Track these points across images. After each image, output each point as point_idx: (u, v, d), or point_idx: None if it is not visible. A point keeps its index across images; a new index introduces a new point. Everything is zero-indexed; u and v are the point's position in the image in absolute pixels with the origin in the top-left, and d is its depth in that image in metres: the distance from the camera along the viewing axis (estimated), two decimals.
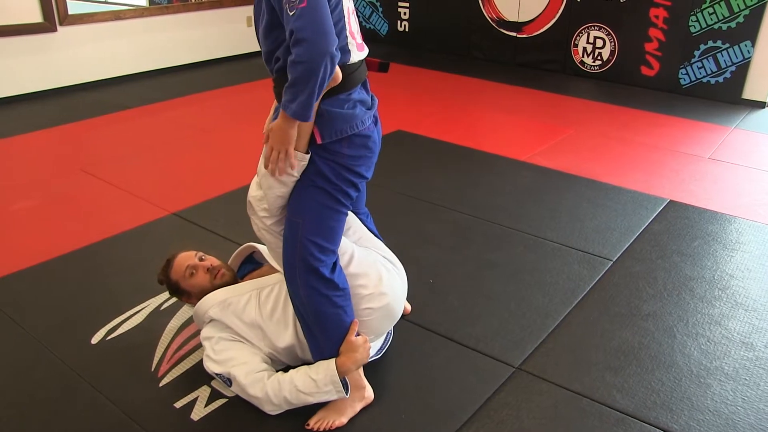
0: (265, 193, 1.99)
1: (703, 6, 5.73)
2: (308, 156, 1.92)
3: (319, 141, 1.91)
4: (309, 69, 1.69)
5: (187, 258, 2.32)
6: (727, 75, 5.85)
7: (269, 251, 2.18)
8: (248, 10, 7.05)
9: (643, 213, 3.60)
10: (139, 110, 5.29)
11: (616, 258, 3.13)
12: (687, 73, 6.03)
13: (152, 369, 2.33)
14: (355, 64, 1.95)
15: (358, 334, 2.06)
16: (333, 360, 2.02)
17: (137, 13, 6.15)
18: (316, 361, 2.09)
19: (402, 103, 5.69)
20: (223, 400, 2.17)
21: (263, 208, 2.03)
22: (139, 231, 3.33)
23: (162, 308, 2.68)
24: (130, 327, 2.56)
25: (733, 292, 2.86)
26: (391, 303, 2.17)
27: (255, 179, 2.09)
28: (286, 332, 2.17)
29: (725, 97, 5.89)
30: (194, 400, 2.17)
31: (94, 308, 2.67)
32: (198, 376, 2.27)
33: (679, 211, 3.66)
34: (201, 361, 2.34)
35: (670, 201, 3.78)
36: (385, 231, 3.39)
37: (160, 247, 3.15)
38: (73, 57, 5.73)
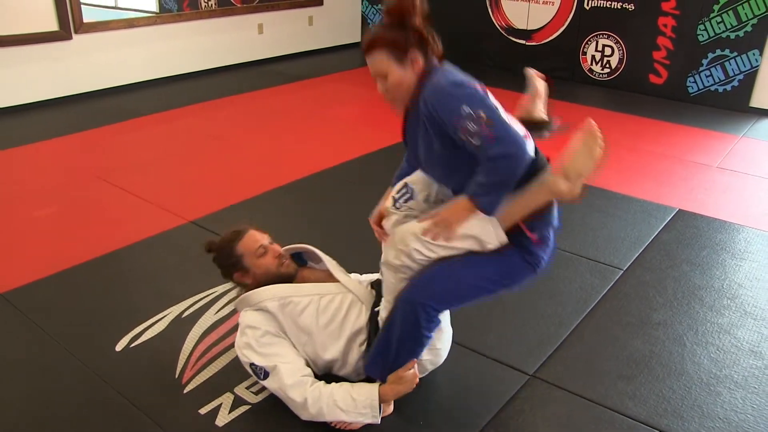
0: (428, 247, 1.96)
1: (711, 15, 5.79)
2: (502, 243, 1.95)
3: (535, 240, 1.97)
4: (510, 176, 1.81)
5: (260, 237, 2.30)
6: (735, 83, 5.90)
7: (384, 283, 2.11)
8: (260, 17, 7.14)
9: (652, 222, 3.66)
10: (154, 117, 5.37)
11: (626, 267, 3.18)
12: (695, 81, 6.09)
13: (176, 376, 2.39)
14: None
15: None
16: (377, 386, 2.08)
17: (150, 21, 6.23)
18: (366, 373, 2.17)
19: None
20: (246, 407, 2.23)
21: (416, 249, 1.96)
22: (157, 239, 3.40)
23: (184, 316, 2.74)
24: (153, 334, 2.62)
25: (742, 301, 2.91)
26: (441, 357, 2.32)
27: (417, 226, 1.99)
28: (334, 346, 2.19)
29: (733, 105, 5.94)
30: (218, 407, 2.23)
31: (117, 315, 2.73)
32: (221, 383, 2.34)
33: (688, 220, 3.71)
34: (224, 368, 2.41)
35: (679, 210, 3.83)
36: None
37: (180, 254, 3.22)
38: (87, 64, 5.82)
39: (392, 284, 2.07)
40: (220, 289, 2.92)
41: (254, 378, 2.32)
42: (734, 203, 3.98)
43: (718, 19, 5.78)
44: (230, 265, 2.29)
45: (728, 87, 5.94)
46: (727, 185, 4.25)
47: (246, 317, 2.21)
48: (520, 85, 6.43)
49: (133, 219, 3.62)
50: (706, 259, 3.29)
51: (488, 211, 1.86)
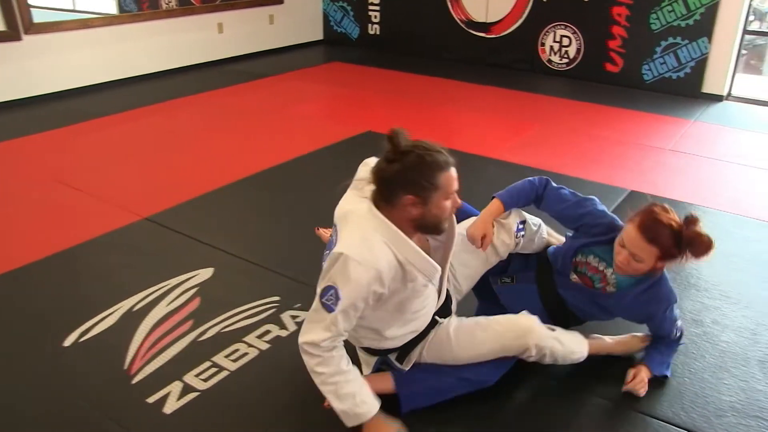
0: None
1: (663, 4, 5.90)
2: None
3: None
4: None
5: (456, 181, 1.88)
6: (687, 70, 6.02)
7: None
8: (220, 17, 7.11)
9: (604, 203, 3.69)
10: (112, 118, 5.32)
11: None
12: (650, 69, 6.20)
13: (125, 367, 2.38)
14: None
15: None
16: (375, 413, 1.95)
17: (106, 21, 6.16)
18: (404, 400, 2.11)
19: (373, 104, 5.78)
20: (195, 394, 2.23)
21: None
22: (111, 236, 3.38)
23: (135, 309, 2.73)
24: (103, 329, 2.60)
25: (687, 274, 2.99)
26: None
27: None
28: (389, 330, 2.03)
29: (686, 91, 6.06)
30: (167, 395, 2.23)
31: (67, 312, 2.71)
32: (170, 372, 2.33)
33: (639, 200, 3.70)
34: (173, 357, 2.41)
35: (631, 191, 3.90)
36: None
37: (133, 250, 3.21)
38: (41, 66, 5.73)
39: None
40: (174, 281, 2.91)
41: (204, 365, 2.33)
42: (685, 183, 4.07)
43: (669, 7, 5.89)
44: (416, 185, 1.79)
45: (681, 74, 6.06)
46: (678, 167, 4.34)
47: (363, 254, 1.79)
48: (481, 78, 6.57)
49: (88, 218, 3.58)
50: None
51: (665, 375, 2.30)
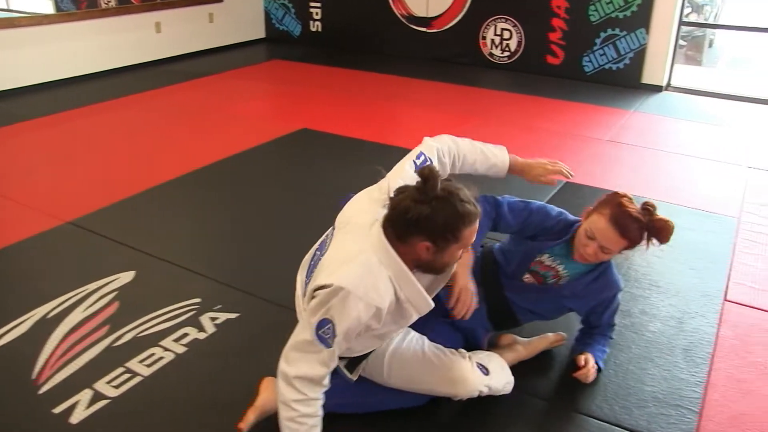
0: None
1: None
2: None
3: None
4: None
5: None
6: (627, 61, 6.08)
7: None
8: (157, 16, 6.93)
9: (538, 196, 3.69)
10: (42, 121, 5.11)
11: None
12: (590, 61, 6.24)
13: (33, 377, 2.26)
14: None
15: None
16: None
17: (35, 21, 5.95)
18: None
19: (312, 102, 5.69)
20: (106, 402, 2.13)
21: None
22: (30, 242, 3.22)
23: (49, 316, 2.60)
24: (13, 337, 2.47)
25: (617, 264, 2.95)
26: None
27: None
28: (366, 346, 1.93)
29: (626, 82, 6.11)
30: (74, 404, 2.12)
31: None
32: (80, 380, 2.22)
33: (574, 191, 3.78)
34: (85, 365, 2.30)
35: (566, 183, 3.89)
36: (283, 226, 3.40)
37: (53, 255, 3.08)
38: None
39: None
40: (92, 286, 2.79)
41: (116, 372, 2.23)
42: (621, 173, 4.09)
43: None
44: (438, 235, 1.64)
45: (620, 65, 6.12)
46: (615, 157, 4.36)
47: (361, 287, 1.63)
48: (422, 72, 6.53)
49: (7, 223, 3.43)
50: None
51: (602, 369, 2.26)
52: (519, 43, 6.52)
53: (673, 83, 6.23)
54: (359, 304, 1.62)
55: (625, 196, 2.11)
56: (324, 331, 1.64)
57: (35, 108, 5.41)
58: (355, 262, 1.66)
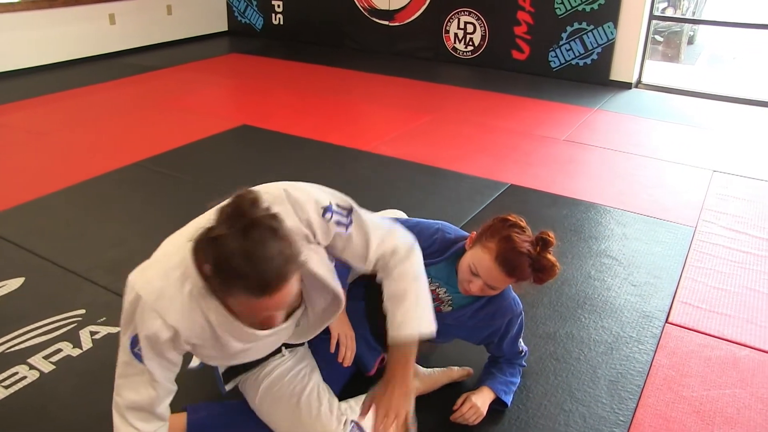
0: None
1: None
2: None
3: None
4: None
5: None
6: (594, 57, 5.79)
7: None
8: (111, 7, 6.63)
9: (478, 198, 3.42)
10: None
11: None
12: (556, 56, 5.96)
13: None
14: None
15: None
16: None
17: None
18: None
19: (262, 96, 5.40)
20: None
21: None
22: None
23: None
24: None
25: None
26: None
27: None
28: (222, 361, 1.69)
29: (594, 78, 5.83)
30: None
31: None
32: None
33: (518, 195, 3.50)
34: None
35: (511, 185, 3.61)
36: None
37: None
38: None
39: None
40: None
41: None
42: (571, 176, 3.80)
43: None
44: (219, 287, 1.26)
45: (588, 60, 5.83)
46: (568, 158, 4.08)
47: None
48: (383, 67, 6.24)
49: None
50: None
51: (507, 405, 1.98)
52: (483, 37, 6.23)
53: (645, 80, 5.95)
54: (156, 321, 1.33)
55: (515, 224, 1.80)
56: (138, 348, 1.37)
57: None
58: (160, 268, 1.37)
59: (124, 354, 1.41)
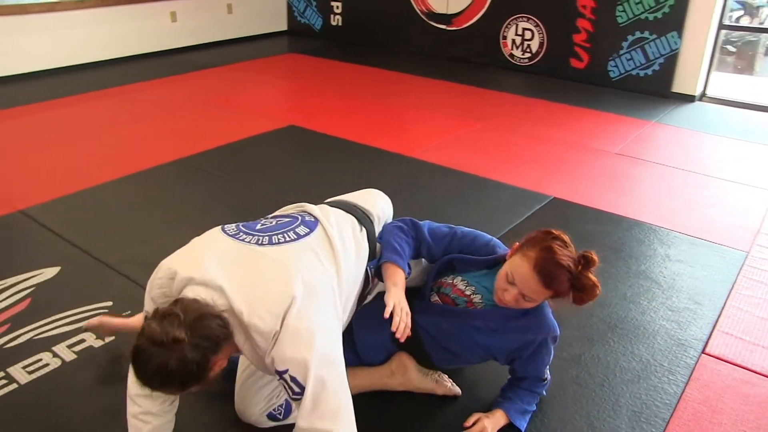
0: None
1: None
2: None
3: None
4: None
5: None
6: (656, 67, 5.58)
7: None
8: (173, 5, 6.79)
9: (517, 210, 3.33)
10: (32, 107, 4.98)
11: None
12: (616, 65, 5.77)
13: None
14: None
15: None
16: None
17: (46, 7, 5.86)
18: None
19: (313, 97, 5.42)
20: None
21: None
22: None
23: None
24: None
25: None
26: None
27: None
28: None
29: (655, 89, 5.62)
30: None
31: None
32: None
33: (560, 208, 3.39)
34: None
35: (554, 198, 3.50)
36: None
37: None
38: None
39: None
40: (11, 281, 2.63)
41: None
42: (617, 192, 3.65)
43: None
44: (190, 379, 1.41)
45: (649, 71, 5.62)
46: (618, 172, 3.93)
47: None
48: (438, 72, 6.17)
49: None
50: None
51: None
52: (541, 44, 6.09)
53: (710, 93, 5.70)
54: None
55: (558, 237, 1.75)
56: None
57: (34, 94, 5.32)
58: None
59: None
